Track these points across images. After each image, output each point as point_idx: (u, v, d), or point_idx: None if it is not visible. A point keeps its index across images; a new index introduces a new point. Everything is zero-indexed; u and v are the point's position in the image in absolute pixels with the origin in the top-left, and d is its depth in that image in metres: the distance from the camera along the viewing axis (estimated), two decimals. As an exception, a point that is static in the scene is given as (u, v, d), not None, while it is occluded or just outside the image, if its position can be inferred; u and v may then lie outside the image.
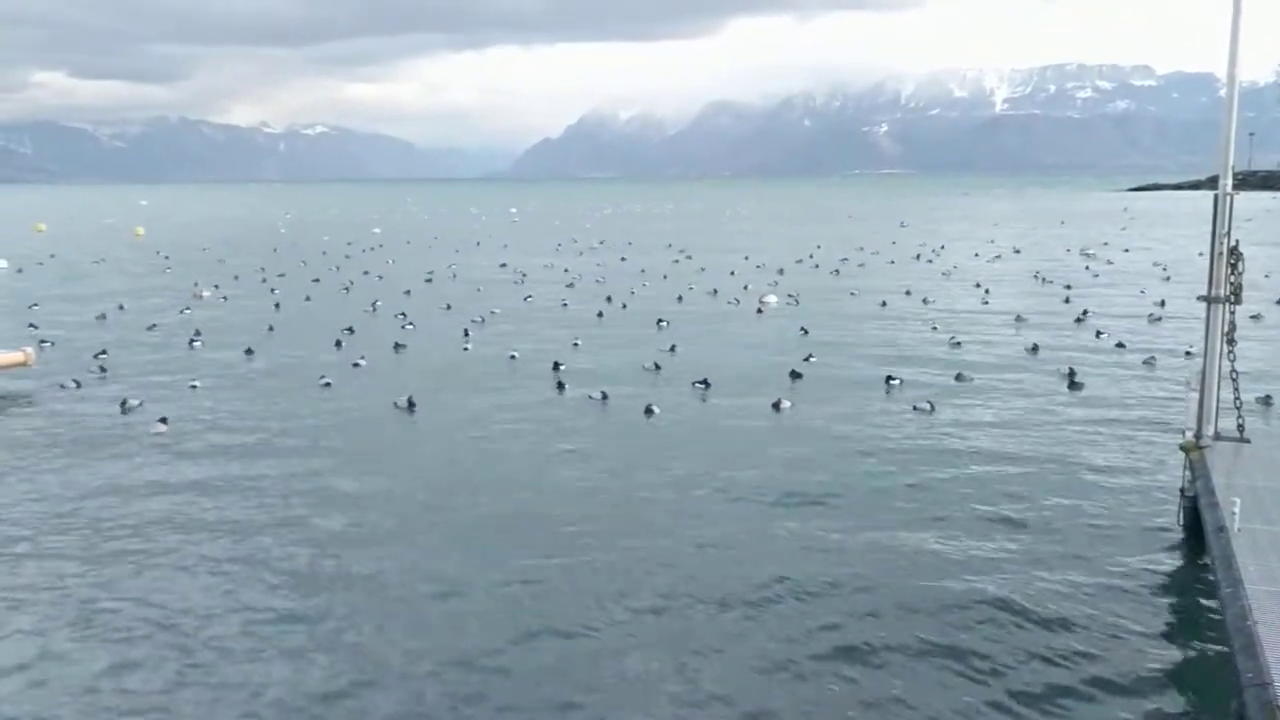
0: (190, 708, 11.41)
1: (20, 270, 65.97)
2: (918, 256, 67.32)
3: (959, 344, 33.96)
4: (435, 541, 16.34)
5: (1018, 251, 70.15)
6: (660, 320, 39.45)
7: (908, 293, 47.15)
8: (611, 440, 22.37)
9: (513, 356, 31.91)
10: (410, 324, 39.27)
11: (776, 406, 25.07)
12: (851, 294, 47.85)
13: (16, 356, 29.07)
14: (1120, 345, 33.11)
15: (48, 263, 71.16)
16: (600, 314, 42.00)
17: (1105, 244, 75.75)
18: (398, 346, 34.26)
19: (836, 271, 58.34)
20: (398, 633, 13.10)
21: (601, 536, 16.41)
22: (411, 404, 25.52)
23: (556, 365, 29.78)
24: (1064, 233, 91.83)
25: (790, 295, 46.98)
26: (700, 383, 27.44)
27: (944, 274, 56.67)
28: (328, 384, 28.24)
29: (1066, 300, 44.35)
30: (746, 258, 67.76)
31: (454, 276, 57.93)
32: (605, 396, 25.36)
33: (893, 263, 63.71)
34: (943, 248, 74.42)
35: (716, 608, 13.70)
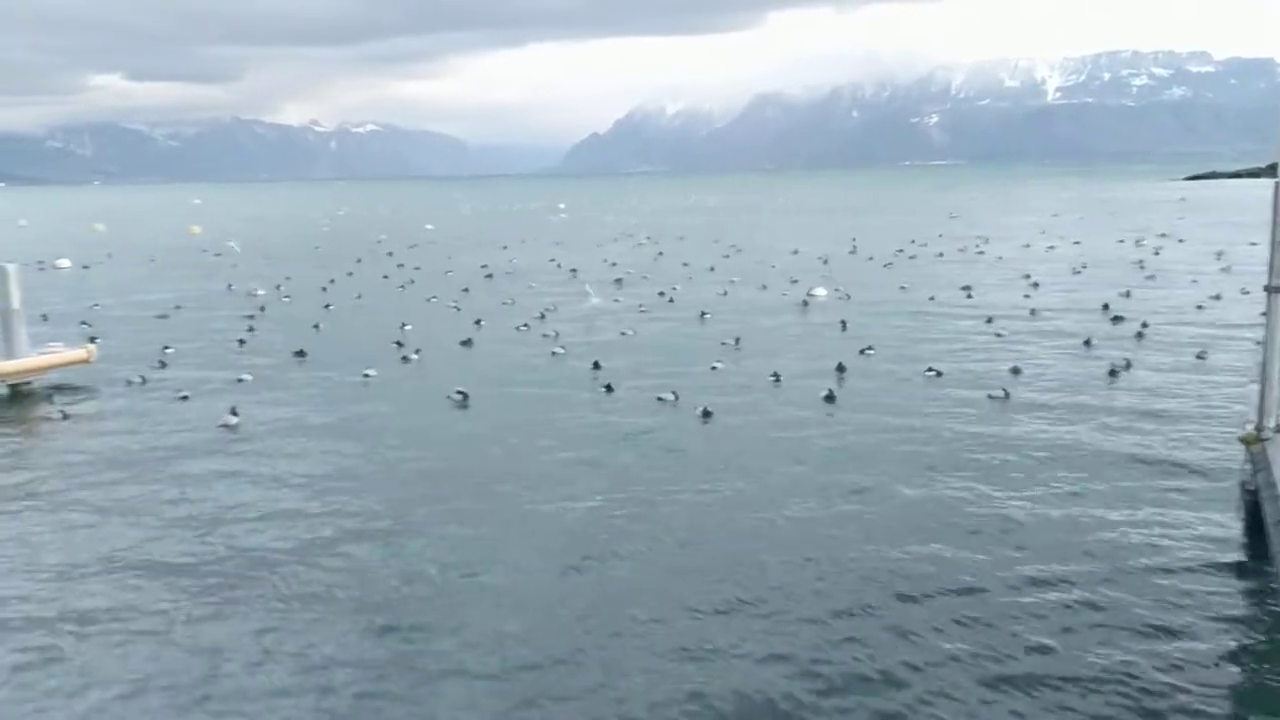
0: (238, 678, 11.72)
1: (86, 266, 67.63)
2: (964, 249, 66.43)
3: (1011, 336, 33.65)
4: (491, 535, 16.58)
5: (1076, 243, 68.74)
6: (704, 313, 39.49)
7: (965, 288, 46.57)
8: (672, 438, 22.42)
9: (554, 353, 32.11)
10: (479, 321, 39.23)
11: (830, 398, 25.04)
12: (901, 288, 47.47)
13: (79, 354, 29.86)
14: (1171, 338, 32.64)
15: (106, 261, 72.69)
16: (642, 308, 42.15)
17: (1162, 234, 74.34)
18: (465, 343, 34.57)
19: (890, 264, 57.78)
20: (449, 623, 13.34)
21: (658, 530, 16.57)
22: (463, 396, 25.81)
23: (596, 365, 29.78)
24: (1118, 222, 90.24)
25: (838, 288, 46.76)
26: (772, 377, 27.43)
27: (992, 265, 56.04)
28: (367, 376, 28.69)
29: (1126, 294, 43.36)
30: (795, 251, 67.44)
31: (510, 272, 58.16)
32: (676, 397, 25.37)
33: (941, 255, 63.08)
34: (987, 239, 73.36)
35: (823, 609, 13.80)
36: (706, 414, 23.63)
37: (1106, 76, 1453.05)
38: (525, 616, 13.46)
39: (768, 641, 12.60)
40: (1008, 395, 24.67)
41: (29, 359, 28.38)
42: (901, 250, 65.59)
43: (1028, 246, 67.04)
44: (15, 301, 28.35)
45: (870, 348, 31.60)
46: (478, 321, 39.12)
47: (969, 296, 43.66)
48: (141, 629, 13.47)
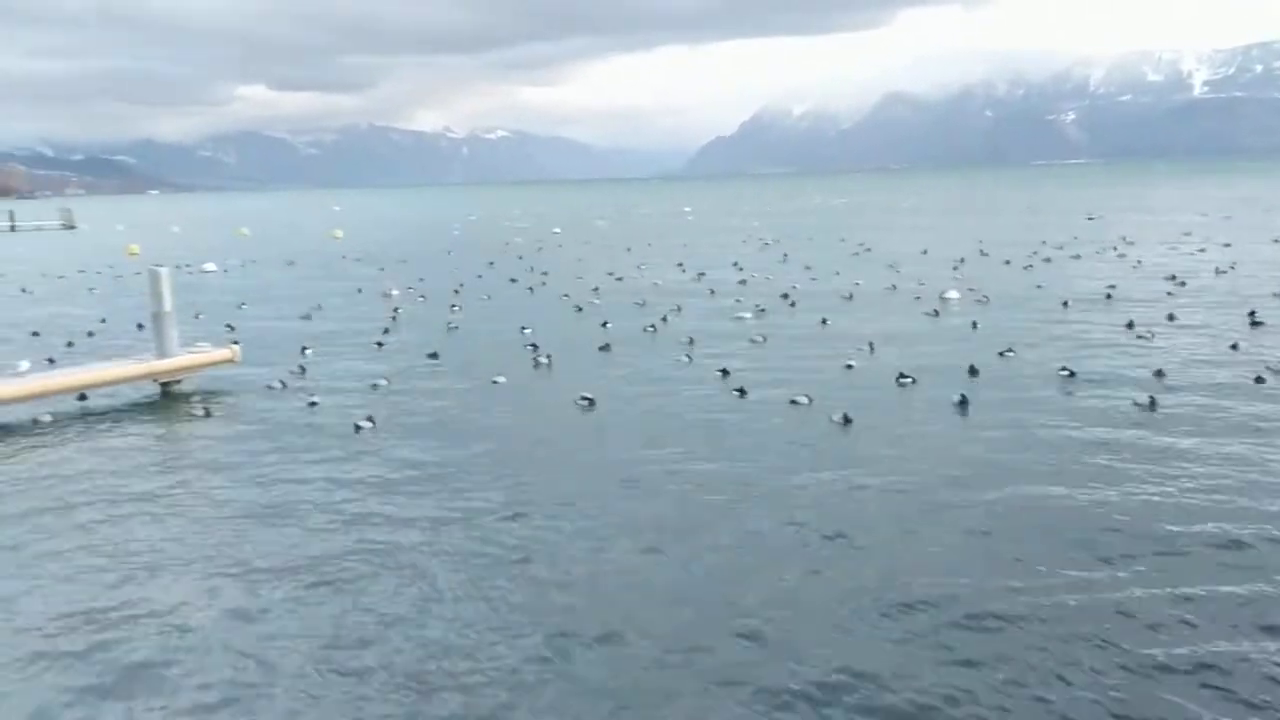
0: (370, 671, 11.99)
1: (225, 270, 70.69)
2: (1101, 250, 63.82)
3: (1154, 340, 32.33)
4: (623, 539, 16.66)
5: (1226, 245, 65.30)
6: (824, 319, 38.82)
7: (1108, 287, 44.89)
8: (810, 444, 22.12)
9: (681, 360, 32.07)
10: (606, 324, 39.45)
11: (964, 403, 24.44)
12: (1038, 286, 46.08)
13: (224, 354, 31.17)
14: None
15: (249, 265, 75.77)
16: (763, 309, 42.12)
17: (1320, 233, 70.35)
18: (603, 348, 34.51)
19: (1029, 266, 56.01)
20: (586, 625, 13.44)
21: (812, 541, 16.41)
22: (589, 402, 25.96)
23: (725, 371, 29.50)
24: (1272, 221, 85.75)
25: (972, 289, 45.64)
26: (905, 377, 27.05)
27: (1135, 267, 53.83)
28: (496, 383, 29.11)
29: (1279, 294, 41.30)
30: (924, 252, 66.11)
31: (638, 276, 58.41)
32: (810, 400, 25.10)
33: (1079, 256, 60.92)
34: (1129, 240, 70.50)
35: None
36: (847, 420, 23.23)
37: (1259, 69, 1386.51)
38: (659, 630, 13.48)
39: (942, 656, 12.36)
40: (1153, 403, 23.66)
41: (179, 358, 29.73)
42: (1036, 252, 63.61)
43: (1173, 248, 64.16)
44: (167, 304, 29.71)
45: (1010, 349, 30.86)
46: (604, 324, 39.44)
47: (1109, 299, 42.08)
48: (267, 629, 13.94)
